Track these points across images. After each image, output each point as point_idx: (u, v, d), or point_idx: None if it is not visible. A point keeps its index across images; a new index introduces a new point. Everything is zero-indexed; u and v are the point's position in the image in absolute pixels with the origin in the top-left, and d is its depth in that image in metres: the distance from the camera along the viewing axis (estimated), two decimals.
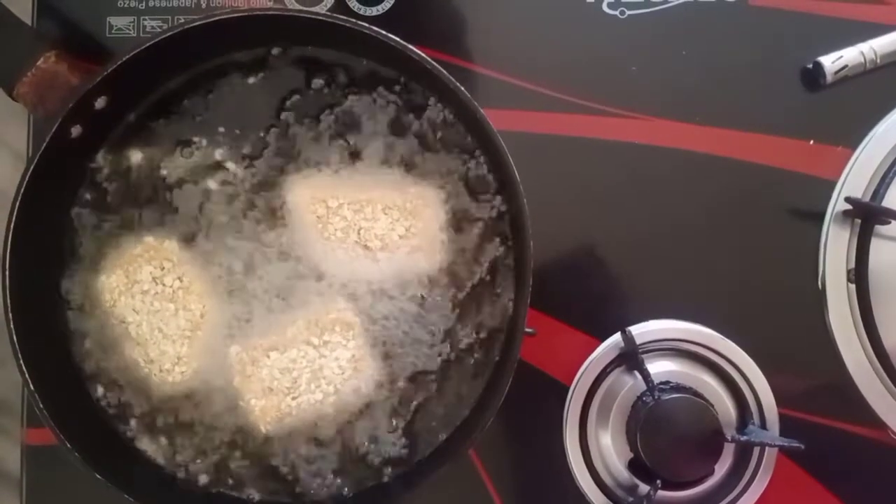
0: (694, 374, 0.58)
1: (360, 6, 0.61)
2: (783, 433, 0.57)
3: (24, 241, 0.50)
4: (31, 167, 0.49)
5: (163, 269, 0.53)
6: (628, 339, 0.56)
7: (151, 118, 0.56)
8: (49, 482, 0.58)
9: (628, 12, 0.61)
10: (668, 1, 0.61)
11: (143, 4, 0.61)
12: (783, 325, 0.59)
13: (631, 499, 0.57)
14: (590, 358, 0.58)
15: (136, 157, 0.56)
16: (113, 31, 0.61)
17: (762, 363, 0.57)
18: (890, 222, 0.57)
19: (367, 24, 0.50)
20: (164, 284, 0.53)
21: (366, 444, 0.55)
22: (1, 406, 0.64)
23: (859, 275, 0.57)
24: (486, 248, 0.55)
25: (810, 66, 0.60)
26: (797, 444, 0.53)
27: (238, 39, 0.55)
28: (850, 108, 0.60)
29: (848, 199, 0.58)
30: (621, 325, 0.57)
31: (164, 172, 0.55)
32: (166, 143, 0.56)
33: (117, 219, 0.55)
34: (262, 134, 0.56)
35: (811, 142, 0.60)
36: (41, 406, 0.49)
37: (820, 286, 0.59)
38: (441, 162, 0.55)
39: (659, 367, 0.58)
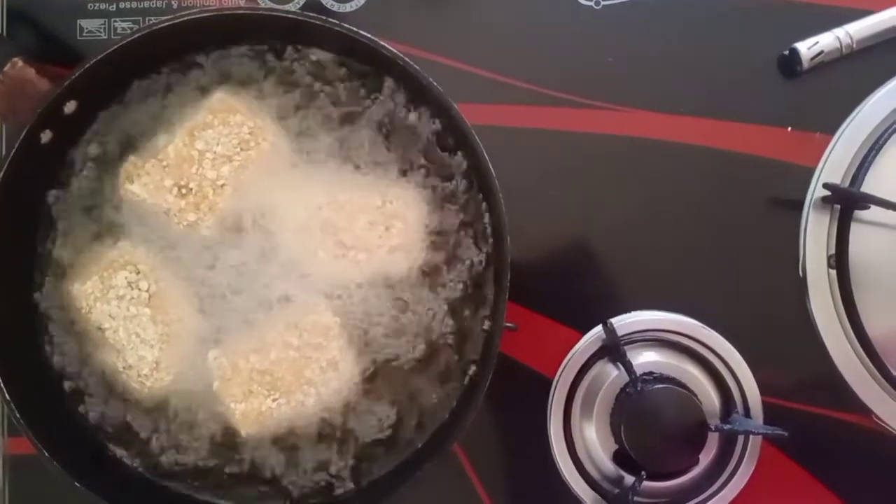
0: (677, 364, 0.58)
1: (334, 2, 0.60)
2: (767, 421, 0.57)
3: None
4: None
5: (138, 273, 0.53)
6: (610, 331, 0.56)
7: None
8: (30, 491, 0.58)
9: (603, 3, 0.60)
10: None
11: (114, 6, 0.61)
12: (765, 313, 0.59)
13: (616, 490, 0.57)
14: (572, 351, 0.58)
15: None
16: (84, 34, 0.60)
17: (745, 352, 0.57)
18: (869, 207, 0.57)
19: (337, 22, 0.50)
20: (139, 289, 0.52)
21: (347, 442, 0.54)
22: None
23: (840, 260, 0.57)
24: (463, 245, 0.55)
25: (787, 52, 0.60)
26: (781, 432, 0.53)
27: (209, 39, 0.54)
28: (827, 93, 0.60)
29: (826, 186, 0.58)
30: (603, 318, 0.57)
31: None
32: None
33: (92, 223, 0.55)
34: None
35: (789, 129, 0.60)
36: (18, 416, 0.49)
37: (801, 273, 0.59)
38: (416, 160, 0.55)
39: (642, 359, 0.58)
